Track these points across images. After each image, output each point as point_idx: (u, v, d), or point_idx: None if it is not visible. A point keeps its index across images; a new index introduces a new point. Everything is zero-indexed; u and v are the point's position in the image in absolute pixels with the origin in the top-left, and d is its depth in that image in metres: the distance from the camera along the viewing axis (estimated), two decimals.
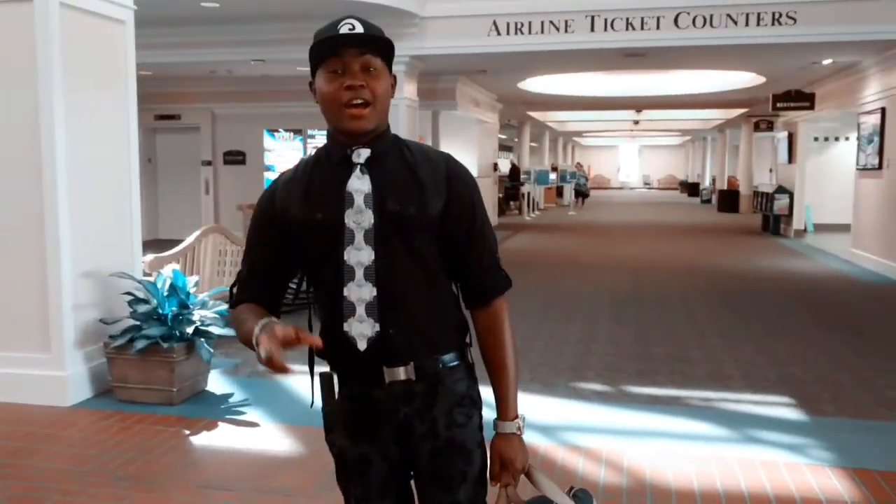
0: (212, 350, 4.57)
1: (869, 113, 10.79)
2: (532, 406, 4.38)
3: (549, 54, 10.37)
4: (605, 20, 9.76)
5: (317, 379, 1.67)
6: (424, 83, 11.40)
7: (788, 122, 15.97)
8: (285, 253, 1.65)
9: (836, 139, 17.27)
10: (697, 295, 8.46)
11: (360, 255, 1.56)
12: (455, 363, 1.65)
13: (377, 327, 1.56)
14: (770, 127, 17.36)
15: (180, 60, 10.70)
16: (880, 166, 10.35)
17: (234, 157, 13.93)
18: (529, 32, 9.93)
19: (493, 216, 16.26)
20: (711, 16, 9.45)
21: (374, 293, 1.56)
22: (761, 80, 13.36)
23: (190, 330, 4.45)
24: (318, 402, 1.68)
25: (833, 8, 9.03)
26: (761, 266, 11.13)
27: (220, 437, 4.01)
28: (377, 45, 1.54)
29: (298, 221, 1.60)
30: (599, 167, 45.58)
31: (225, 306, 4.85)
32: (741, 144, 24.01)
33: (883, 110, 10.26)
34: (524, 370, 5.14)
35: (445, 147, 13.53)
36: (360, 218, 1.56)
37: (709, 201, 28.56)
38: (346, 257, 1.56)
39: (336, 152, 1.60)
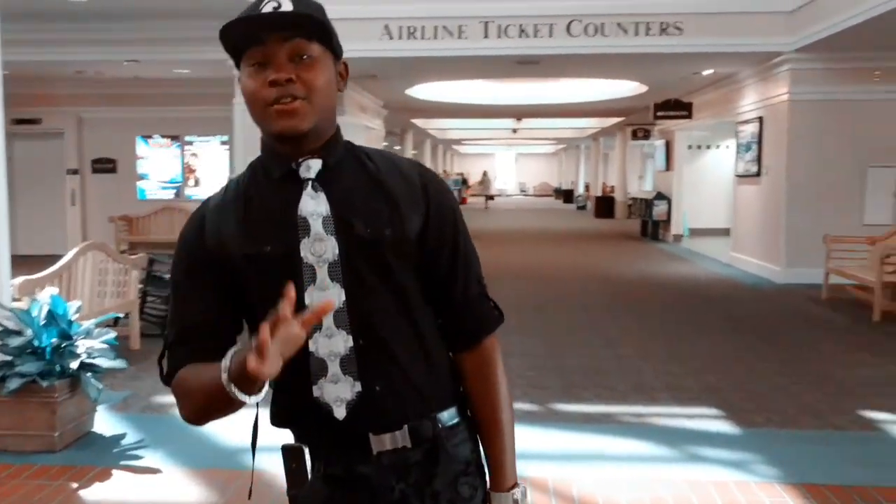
0: (100, 387, 4.00)
1: (747, 122, 11.24)
2: None
3: (442, 60, 10.18)
4: (499, 27, 9.69)
5: (270, 456, 1.31)
6: None
7: (665, 131, 16.55)
8: (225, 301, 1.26)
9: (708, 147, 18.06)
10: (596, 301, 8.47)
11: (325, 296, 1.21)
12: (455, 421, 1.32)
13: (358, 387, 1.22)
14: (647, 135, 17.95)
15: (44, 59, 9.78)
16: (759, 173, 10.79)
17: (104, 165, 12.88)
18: (423, 37, 9.71)
19: None
20: (603, 24, 9.55)
21: (350, 343, 1.22)
22: (643, 89, 13.72)
23: (74, 364, 3.87)
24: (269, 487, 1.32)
25: (717, 20, 9.32)
26: (650, 271, 11.36)
27: (115, 489, 3.48)
28: (308, 26, 1.19)
29: (239, 258, 1.23)
30: (477, 175, 46.06)
31: (114, 333, 4.33)
32: (616, 152, 24.80)
33: (760, 120, 10.71)
34: None
35: None
36: (320, 248, 1.22)
37: (584, 207, 29.37)
38: (307, 301, 1.20)
39: (276, 166, 1.26)
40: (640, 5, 9.38)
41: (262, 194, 1.27)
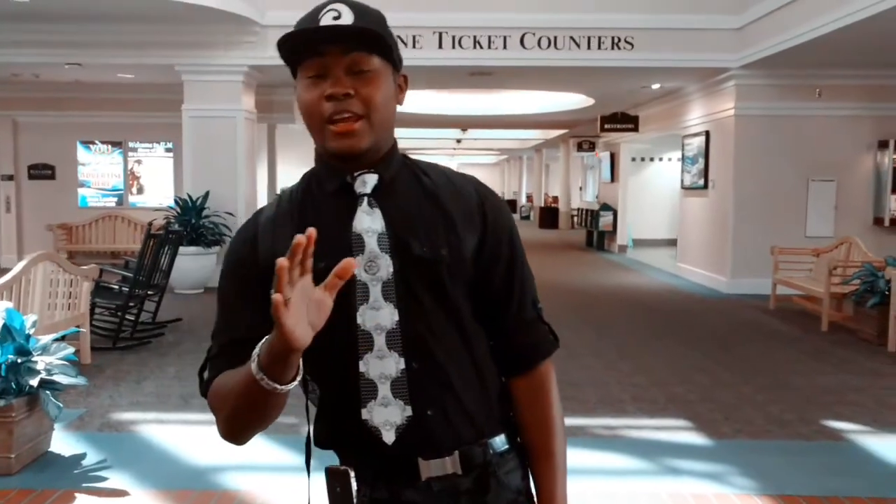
0: (61, 405, 3.81)
1: (693, 136, 11.50)
2: None
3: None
4: (454, 37, 9.70)
5: (316, 477, 1.23)
6: (262, 95, 10.77)
7: (610, 143, 16.84)
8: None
9: (651, 160, 18.42)
10: (554, 312, 8.47)
11: (378, 315, 1.17)
12: (505, 447, 1.26)
13: (409, 411, 1.18)
14: (592, 147, 18.23)
15: None
16: (705, 186, 11.04)
17: (42, 172, 12.38)
18: None
19: None
20: (556, 38, 9.65)
21: (402, 366, 1.18)
22: (590, 102, 13.92)
23: (34, 381, 3.67)
24: None
25: (667, 36, 9.52)
26: (601, 281, 11.50)
27: None
28: (368, 39, 1.15)
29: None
30: None
31: (72, 349, 4.13)
32: (560, 164, 25.10)
33: (707, 133, 10.97)
34: None
35: (283, 164, 12.90)
36: (374, 267, 1.18)
37: (528, 217, 29.67)
38: (359, 320, 1.17)
39: (330, 180, 1.23)
40: (592, 20, 9.51)
41: (317, 208, 1.23)
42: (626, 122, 14.07)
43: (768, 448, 4.13)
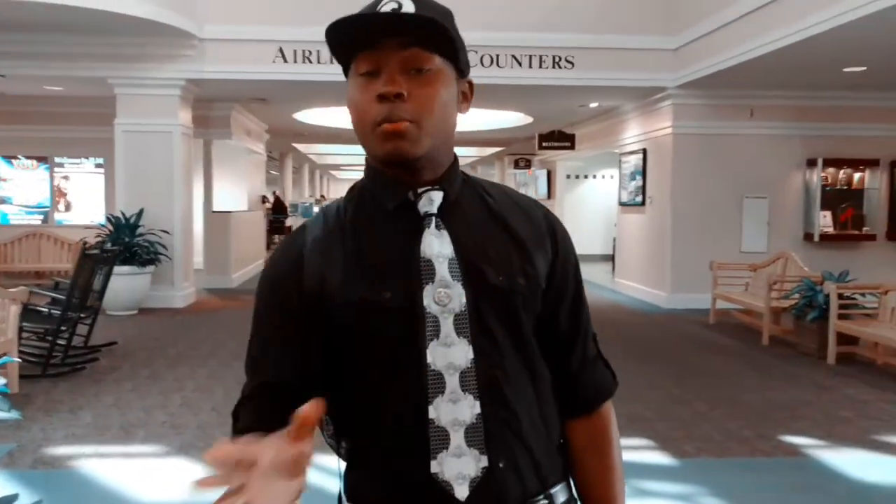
0: None
1: (631, 153, 11.69)
2: None
3: (338, 85, 9.95)
4: None
5: None
6: (198, 110, 10.47)
7: (546, 161, 17.02)
8: (316, 356, 1.06)
9: (587, 177, 18.69)
10: None
11: (450, 353, 1.03)
12: (566, 497, 1.15)
13: (484, 461, 1.03)
14: (528, 164, 18.39)
15: None
16: (643, 202, 11.23)
17: None
18: (318, 62, 9.50)
19: (261, 251, 15.39)
20: (498, 56, 9.68)
21: (478, 410, 1.03)
22: (528, 119, 14.03)
23: None
24: None
25: (607, 55, 9.65)
26: None
27: None
28: (430, 32, 1.01)
29: (347, 307, 1.03)
30: None
31: (4, 380, 3.84)
32: (495, 181, 25.26)
33: (644, 151, 11.16)
34: None
35: (220, 180, 12.56)
36: (444, 297, 1.03)
37: None
38: (429, 359, 1.02)
39: (390, 196, 1.08)
40: (534, 38, 9.57)
41: (374, 228, 1.08)
42: (563, 139, 14.23)
43: (733, 466, 4.14)
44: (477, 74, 8.71)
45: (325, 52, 9.51)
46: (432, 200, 1.07)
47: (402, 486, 1.05)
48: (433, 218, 1.07)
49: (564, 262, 1.16)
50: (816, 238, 10.19)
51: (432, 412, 1.02)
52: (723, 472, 4.04)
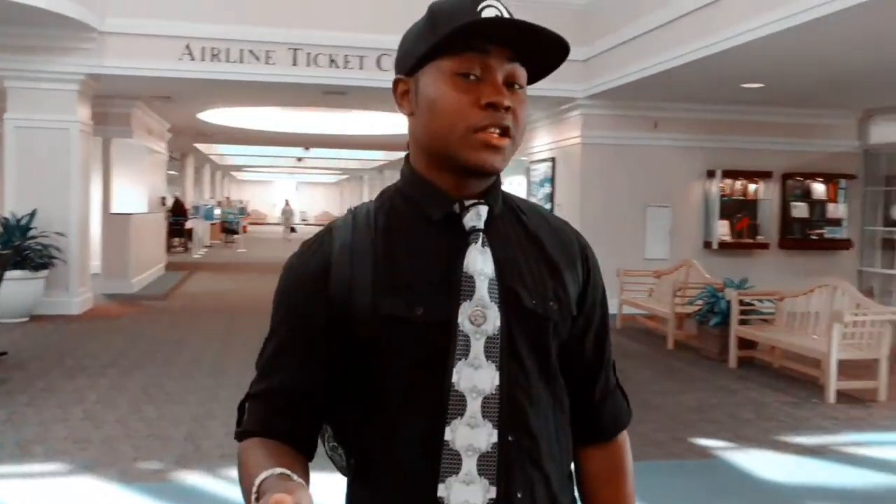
0: None
1: (540, 161, 11.90)
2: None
3: (247, 85, 9.74)
4: (308, 55, 9.47)
5: None
6: (97, 106, 9.98)
7: None
8: (333, 368, 1.02)
9: None
10: None
11: (476, 376, 0.98)
12: None
13: (492, 492, 0.98)
14: None
15: None
16: (552, 210, 11.44)
17: None
18: (227, 60, 9.24)
19: (161, 255, 14.81)
20: None
21: (495, 439, 0.98)
22: None
23: None
24: None
25: None
26: None
27: None
28: (549, 49, 0.99)
29: (376, 320, 0.98)
30: (255, 203, 44.79)
31: None
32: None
33: (553, 160, 11.38)
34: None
35: (119, 180, 12.00)
36: (480, 317, 0.99)
37: None
38: (454, 378, 0.98)
39: (435, 205, 1.03)
40: None
41: (410, 238, 1.03)
42: None
43: (651, 469, 4.22)
44: (391, 79, 8.79)
45: (235, 50, 9.28)
46: (480, 215, 1.03)
47: None
48: (480, 234, 1.02)
49: (594, 289, 1.13)
50: (715, 246, 10.63)
51: (448, 434, 0.98)
52: (643, 475, 4.11)
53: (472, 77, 0.98)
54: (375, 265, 1.00)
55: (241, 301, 11.11)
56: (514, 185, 17.31)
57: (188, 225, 20.58)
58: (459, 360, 0.98)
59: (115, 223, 11.42)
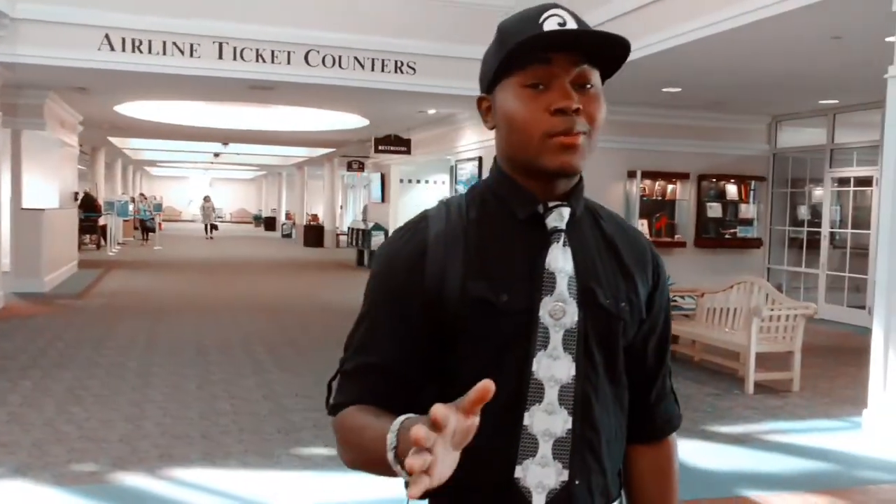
0: None
1: (467, 160, 12.03)
2: (295, 487, 3.81)
3: (170, 78, 9.49)
4: (235, 49, 9.30)
5: None
6: (6, 97, 9.54)
7: (379, 164, 17.10)
8: (425, 347, 1.07)
9: (419, 181, 18.96)
10: (323, 334, 8.36)
11: (555, 366, 1.05)
12: None
13: (565, 475, 1.05)
14: (362, 167, 18.38)
15: None
16: None
17: None
18: (150, 52, 8.98)
19: (73, 252, 14.23)
20: (341, 57, 9.62)
21: (569, 426, 1.06)
22: (364, 122, 14.04)
23: None
24: None
25: (447, 63, 9.85)
26: None
27: None
28: (610, 51, 1.05)
29: (463, 304, 1.04)
30: (169, 199, 43.51)
31: None
32: (325, 182, 25.04)
33: (480, 159, 11.52)
34: (222, 441, 4.50)
35: (30, 174, 11.50)
36: (560, 311, 1.05)
37: (290, 235, 29.14)
38: (534, 367, 1.05)
39: (522, 205, 1.09)
40: (378, 42, 9.59)
41: (498, 233, 1.09)
42: (399, 144, 14.38)
43: None
44: (318, 74, 8.56)
45: (157, 42, 9.02)
46: (562, 216, 1.08)
47: (481, 486, 1.06)
48: (562, 234, 1.08)
49: (661, 296, 1.19)
50: None
51: (527, 419, 1.04)
52: None
53: (539, 87, 1.03)
54: (466, 254, 1.06)
55: (165, 300, 10.80)
56: (438, 183, 17.45)
57: (101, 221, 19.82)
58: (540, 350, 1.05)
59: (26, 219, 10.93)
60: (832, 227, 10.71)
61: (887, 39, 5.47)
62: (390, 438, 0.88)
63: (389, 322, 1.08)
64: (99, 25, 8.69)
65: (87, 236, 19.67)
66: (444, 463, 0.80)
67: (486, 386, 0.79)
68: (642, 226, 11.05)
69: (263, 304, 10.69)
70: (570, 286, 1.07)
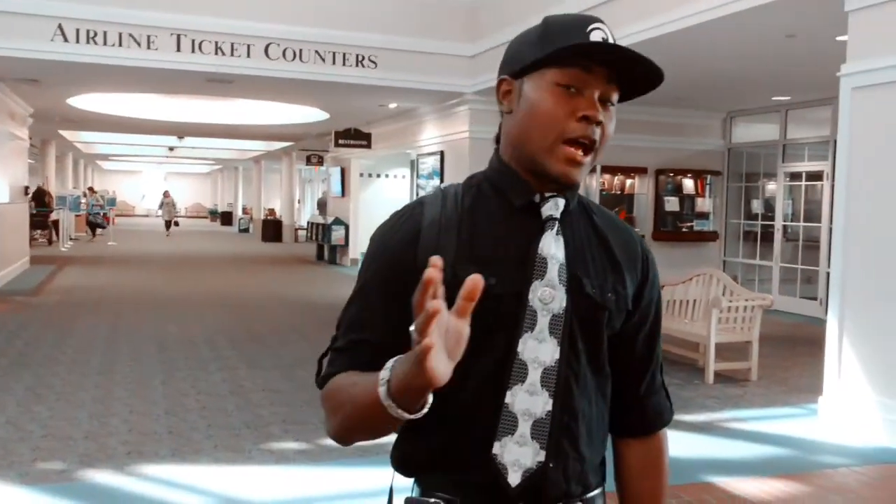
0: None
1: (428, 155, 12.03)
2: (273, 481, 3.80)
3: (126, 70, 9.31)
4: (193, 41, 9.17)
5: None
6: None
7: (339, 159, 17.00)
8: None
9: (379, 176, 18.90)
10: (287, 329, 8.36)
11: (540, 349, 1.09)
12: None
13: (541, 455, 1.09)
14: (321, 161, 18.25)
15: None
16: None
17: None
18: (105, 44, 8.82)
19: (24, 248, 13.88)
20: (301, 50, 9.56)
21: (549, 407, 1.09)
22: (323, 116, 13.95)
23: None
24: None
25: (409, 58, 9.87)
26: (342, 294, 11.52)
27: None
28: (643, 75, 1.10)
29: (452, 287, 1.02)
30: (122, 193, 42.65)
31: None
32: (283, 176, 24.81)
33: (442, 154, 11.54)
34: (191, 437, 4.48)
35: None
36: (549, 296, 1.09)
37: (247, 230, 28.82)
38: (520, 348, 1.09)
39: (518, 194, 1.13)
40: (338, 36, 9.55)
41: (493, 219, 1.13)
42: (359, 138, 14.33)
43: None
44: (278, 68, 8.52)
45: (113, 33, 8.85)
46: (558, 206, 1.13)
47: (460, 462, 1.09)
48: (556, 222, 1.12)
49: (651, 289, 1.22)
50: None
51: (509, 398, 1.08)
52: None
53: (571, 90, 1.08)
54: (458, 240, 1.10)
55: (123, 296, 10.61)
56: (399, 177, 17.42)
57: (53, 216, 19.37)
58: (526, 332, 1.09)
59: None
60: (785, 221, 11.00)
61: (838, 39, 5.65)
62: (384, 374, 0.92)
63: (382, 301, 1.11)
64: (52, 16, 8.50)
65: (38, 231, 19.21)
66: (441, 361, 0.85)
67: (475, 280, 0.85)
68: None
69: (225, 299, 10.58)
70: (560, 273, 1.11)
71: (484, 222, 1.13)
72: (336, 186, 17.13)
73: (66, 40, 8.65)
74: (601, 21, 1.11)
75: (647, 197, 11.58)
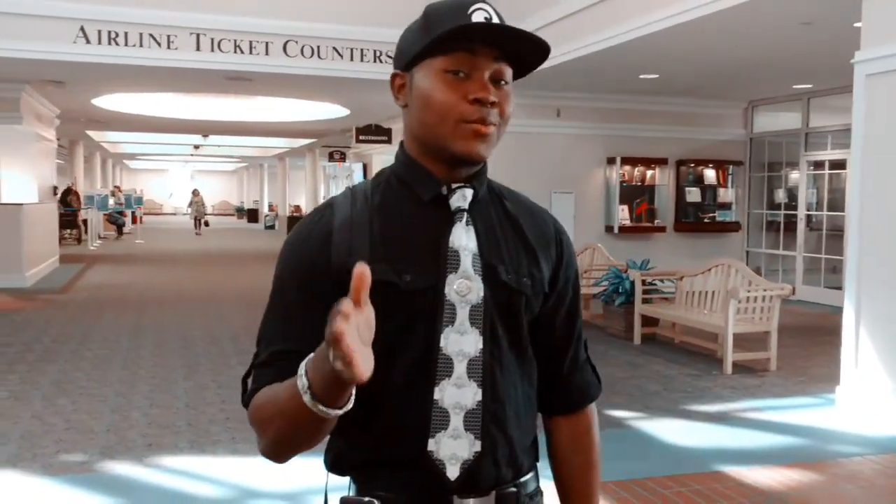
0: None
1: None
2: (274, 475, 3.88)
3: (147, 70, 9.45)
4: (212, 40, 9.28)
5: None
6: None
7: (361, 154, 17.11)
8: None
9: None
10: None
11: (463, 341, 1.09)
12: (534, 487, 1.20)
13: (477, 446, 1.09)
14: (343, 157, 18.38)
15: None
16: None
17: None
18: (126, 44, 8.95)
19: (54, 247, 14.14)
20: (319, 47, 9.63)
21: (479, 397, 1.09)
22: (344, 112, 14.03)
23: None
24: None
25: None
26: None
27: None
28: (531, 51, 1.09)
29: (372, 285, 1.05)
30: (150, 192, 43.22)
31: None
32: (307, 173, 24.98)
33: None
34: (210, 430, 4.56)
35: (7, 169, 11.45)
36: (465, 288, 1.09)
37: (273, 227, 29.06)
38: (442, 343, 1.08)
39: (426, 187, 1.13)
40: (356, 32, 9.61)
41: (402, 216, 1.13)
42: (380, 133, 14.39)
43: None
44: (297, 65, 8.58)
45: (134, 34, 8.99)
46: (465, 197, 1.13)
47: (395, 461, 1.10)
48: (464, 213, 1.12)
49: (567, 270, 1.23)
50: (616, 230, 11.09)
51: (437, 393, 1.08)
52: None
53: (460, 74, 1.07)
54: (371, 238, 1.10)
55: (149, 294, 10.79)
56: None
57: (82, 216, 19.70)
58: (447, 326, 1.09)
59: (6, 214, 10.88)
60: (808, 210, 10.88)
61: (855, 25, 5.58)
62: (301, 382, 0.92)
63: (300, 309, 1.10)
64: (74, 18, 8.64)
65: (67, 231, 19.55)
66: (363, 355, 0.84)
67: (361, 269, 0.86)
68: (623, 211, 11.17)
69: (250, 295, 10.70)
70: (474, 263, 1.11)
71: (394, 219, 1.13)
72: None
73: (88, 42, 8.80)
74: (484, 1, 1.10)
75: (668, 188, 11.50)
